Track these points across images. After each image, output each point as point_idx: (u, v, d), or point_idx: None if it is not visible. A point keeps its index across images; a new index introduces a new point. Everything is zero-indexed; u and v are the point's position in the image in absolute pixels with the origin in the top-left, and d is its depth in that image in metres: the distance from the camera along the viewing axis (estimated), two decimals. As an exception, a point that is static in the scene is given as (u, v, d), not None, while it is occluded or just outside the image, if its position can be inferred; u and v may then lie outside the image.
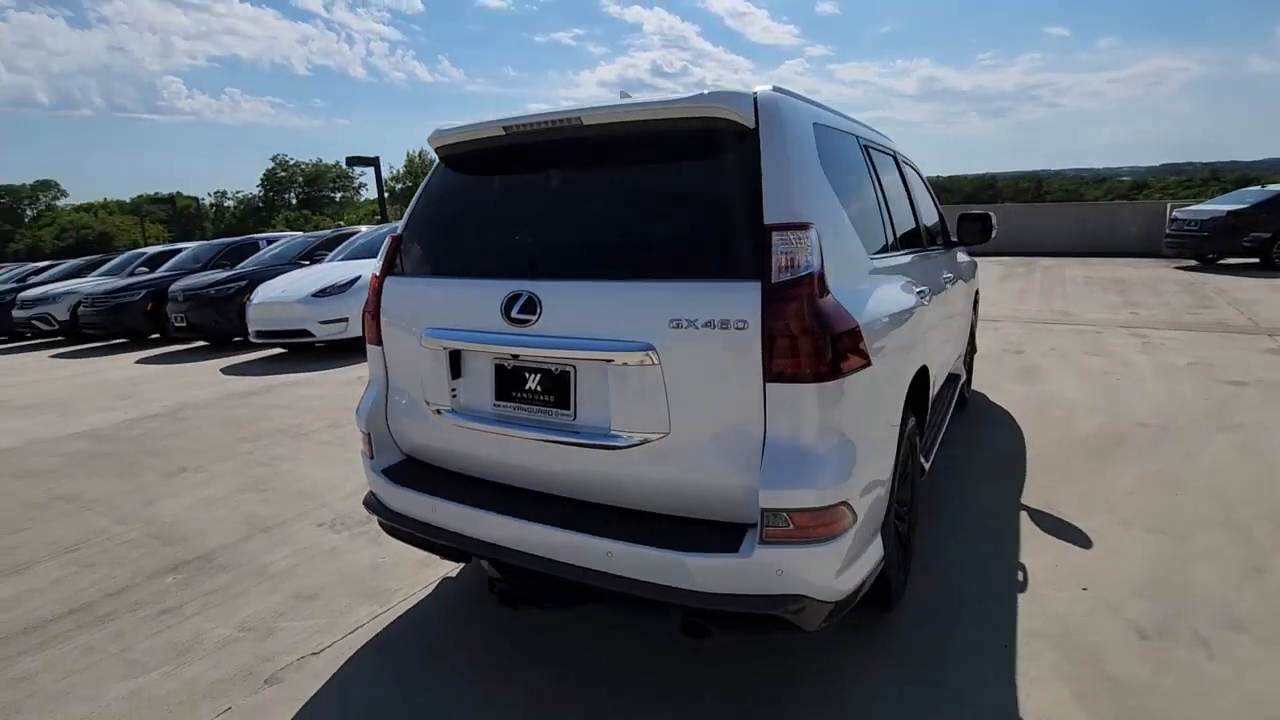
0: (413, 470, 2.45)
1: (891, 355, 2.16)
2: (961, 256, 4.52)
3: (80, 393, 7.39)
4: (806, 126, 2.07)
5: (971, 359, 5.29)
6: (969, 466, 3.96)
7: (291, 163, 78.38)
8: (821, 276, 1.80)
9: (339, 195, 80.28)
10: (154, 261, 13.02)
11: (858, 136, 2.70)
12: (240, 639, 2.62)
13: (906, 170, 3.50)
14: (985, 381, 5.65)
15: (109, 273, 13.37)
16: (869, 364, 1.92)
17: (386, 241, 2.48)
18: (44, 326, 12.29)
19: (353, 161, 14.30)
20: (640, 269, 1.94)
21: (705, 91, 1.88)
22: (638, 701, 2.16)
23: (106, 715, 2.24)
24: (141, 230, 70.40)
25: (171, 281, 10.47)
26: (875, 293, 2.15)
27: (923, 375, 2.74)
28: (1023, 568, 2.87)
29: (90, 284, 12.21)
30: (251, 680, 2.38)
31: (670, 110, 1.92)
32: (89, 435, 5.53)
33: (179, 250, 13.17)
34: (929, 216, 3.77)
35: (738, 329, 1.78)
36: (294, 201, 78.76)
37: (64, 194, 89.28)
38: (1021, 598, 2.66)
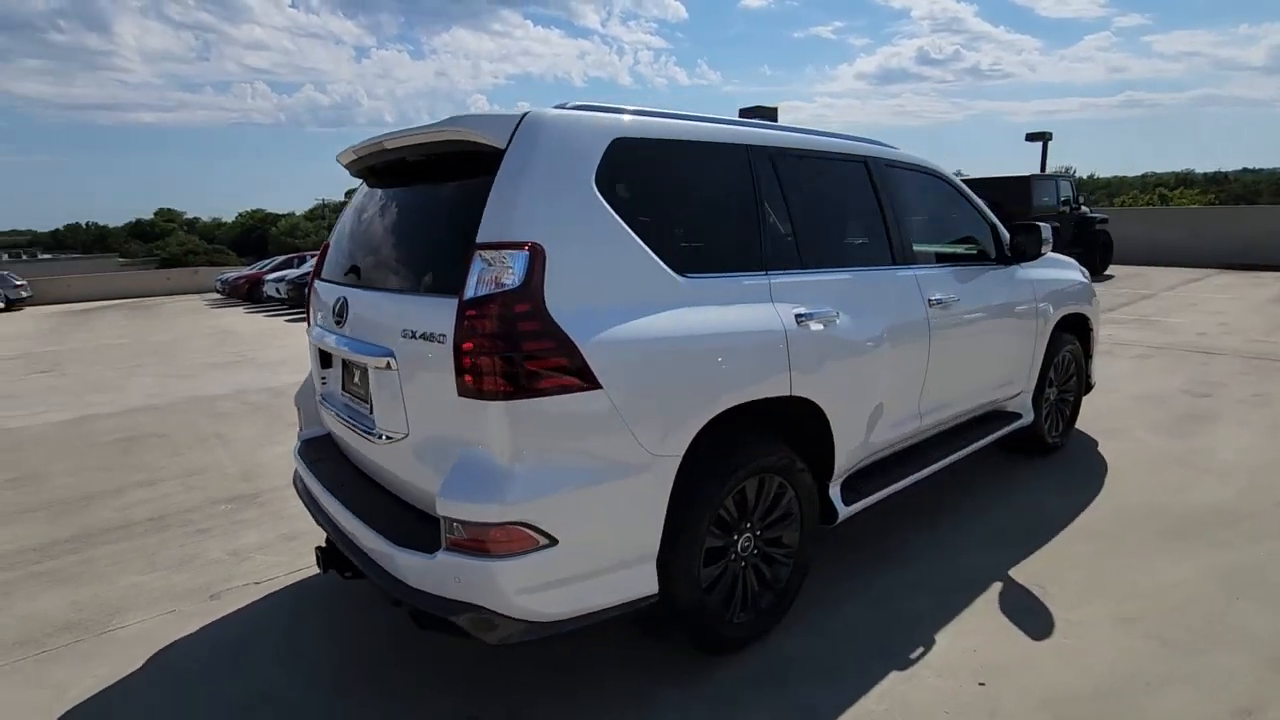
0: (318, 446, 2.88)
1: (665, 383, 2.02)
2: (1038, 274, 3.79)
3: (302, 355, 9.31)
4: (587, 145, 2.03)
5: (1078, 398, 4.37)
6: (979, 521, 3.37)
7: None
8: (525, 295, 1.80)
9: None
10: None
11: (750, 146, 2.48)
12: (223, 561, 3.30)
13: (893, 178, 3.06)
14: (1112, 425, 4.63)
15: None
16: (594, 388, 1.87)
17: (322, 248, 2.93)
18: (277, 297, 17.58)
19: (746, 113, 13.14)
20: (396, 280, 2.12)
21: (456, 116, 1.99)
22: (414, 695, 2.35)
23: (107, 595, 3.01)
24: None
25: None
26: (658, 316, 2.03)
27: (811, 411, 2.48)
28: (929, 644, 2.46)
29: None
30: (204, 593, 3.01)
31: (430, 134, 2.05)
32: (272, 390, 7.04)
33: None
34: (926, 231, 3.28)
35: (439, 342, 1.87)
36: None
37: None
38: (893, 676, 2.30)
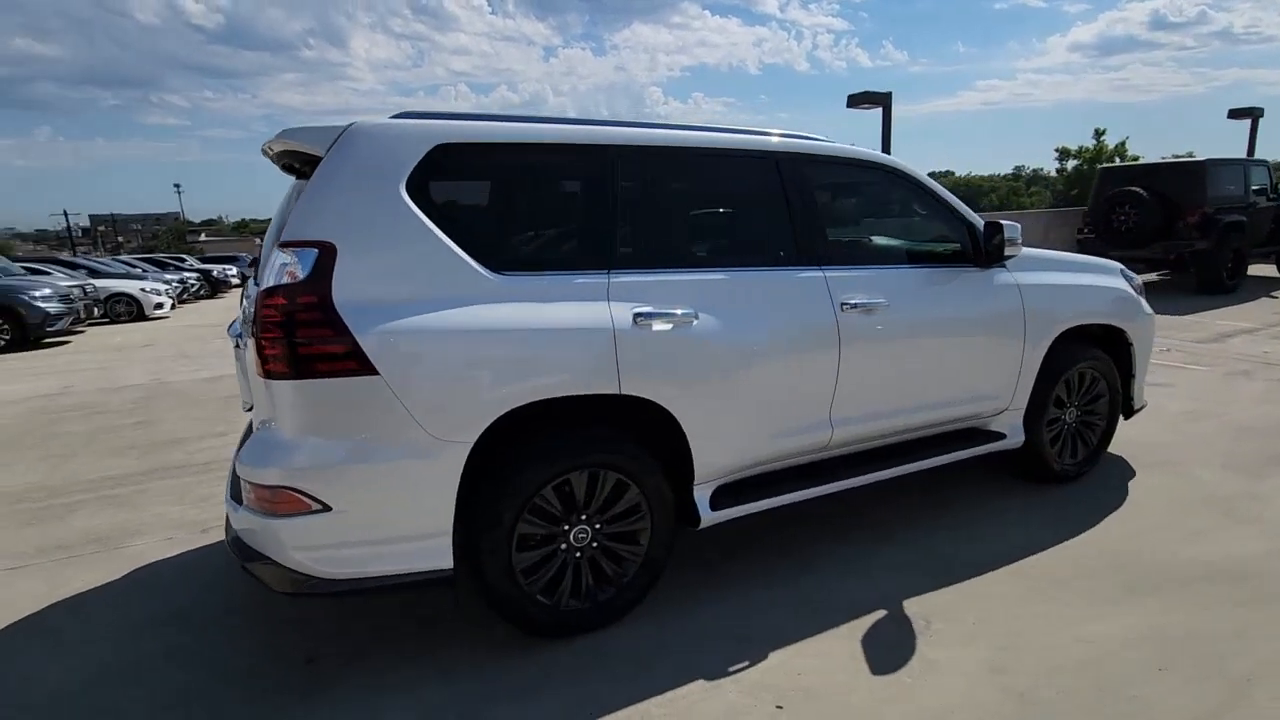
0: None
1: (453, 374, 2.13)
2: (1032, 278, 3.33)
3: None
4: (403, 151, 2.17)
5: (1110, 422, 3.78)
6: (926, 542, 3.10)
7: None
8: (310, 288, 2.01)
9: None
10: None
11: (604, 145, 2.47)
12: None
13: (812, 175, 2.86)
14: (1171, 456, 3.95)
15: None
16: (370, 374, 2.05)
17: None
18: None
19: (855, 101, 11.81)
20: (259, 271, 2.43)
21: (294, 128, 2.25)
22: (278, 629, 2.70)
23: (135, 520, 3.72)
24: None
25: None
26: (455, 311, 2.14)
27: (662, 412, 2.48)
28: (758, 659, 2.37)
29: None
30: (199, 526, 3.61)
31: (276, 144, 2.33)
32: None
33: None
34: (874, 231, 3.04)
35: (251, 326, 2.16)
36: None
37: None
38: (696, 685, 2.26)
